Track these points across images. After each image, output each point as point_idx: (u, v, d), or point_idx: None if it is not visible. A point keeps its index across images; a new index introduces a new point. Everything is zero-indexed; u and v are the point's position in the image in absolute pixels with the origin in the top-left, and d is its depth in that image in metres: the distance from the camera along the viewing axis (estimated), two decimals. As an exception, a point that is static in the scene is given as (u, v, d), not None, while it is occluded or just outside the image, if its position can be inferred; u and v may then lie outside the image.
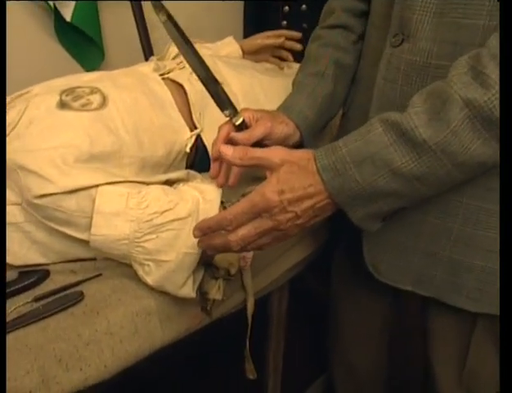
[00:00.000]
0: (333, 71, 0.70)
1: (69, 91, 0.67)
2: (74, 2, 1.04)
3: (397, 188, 0.47)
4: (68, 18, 1.05)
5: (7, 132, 0.62)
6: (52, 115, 0.63)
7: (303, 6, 1.44)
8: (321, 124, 0.73)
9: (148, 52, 1.16)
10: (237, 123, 0.61)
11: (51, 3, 1.01)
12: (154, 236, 0.59)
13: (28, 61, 1.06)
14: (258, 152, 0.53)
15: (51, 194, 0.57)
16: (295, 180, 0.49)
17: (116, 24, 1.19)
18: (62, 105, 0.65)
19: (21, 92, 0.68)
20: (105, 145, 0.63)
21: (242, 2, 1.54)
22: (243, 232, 0.49)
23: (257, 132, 0.61)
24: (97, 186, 0.59)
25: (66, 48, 1.13)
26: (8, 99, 0.67)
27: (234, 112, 0.61)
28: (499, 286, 0.55)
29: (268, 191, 0.48)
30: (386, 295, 0.77)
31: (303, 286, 1.25)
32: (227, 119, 0.62)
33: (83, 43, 1.13)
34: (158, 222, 0.59)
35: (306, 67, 0.73)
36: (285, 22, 1.46)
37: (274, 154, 0.51)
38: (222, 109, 0.61)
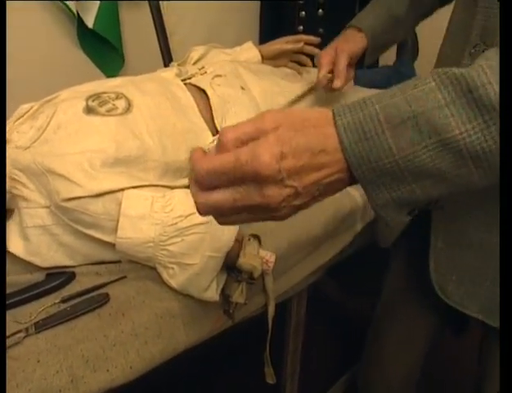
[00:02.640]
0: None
1: (95, 96, 0.69)
2: (96, 9, 1.06)
3: (442, 167, 0.34)
4: (90, 25, 1.08)
5: (37, 136, 0.64)
6: (79, 120, 0.65)
7: (320, 11, 1.45)
8: (384, 41, 0.81)
9: (167, 58, 1.18)
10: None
11: (74, 10, 1.03)
12: (179, 239, 0.59)
13: (51, 67, 1.09)
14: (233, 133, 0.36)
15: (78, 197, 0.59)
16: (301, 141, 0.34)
17: (136, 30, 1.22)
18: (89, 110, 0.66)
19: (49, 98, 0.70)
20: (130, 149, 0.64)
21: (258, 8, 1.55)
22: (217, 197, 0.35)
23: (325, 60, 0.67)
24: (123, 190, 0.61)
25: (87, 54, 1.15)
26: (37, 105, 0.69)
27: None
28: None
29: (264, 151, 0.33)
30: (436, 313, 0.77)
31: (320, 292, 1.25)
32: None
33: (104, 49, 1.15)
34: (183, 225, 0.59)
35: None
36: (301, 27, 1.47)
37: (262, 120, 0.35)
38: None
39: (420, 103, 0.33)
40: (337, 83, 0.81)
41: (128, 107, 0.69)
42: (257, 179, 0.33)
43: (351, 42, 0.85)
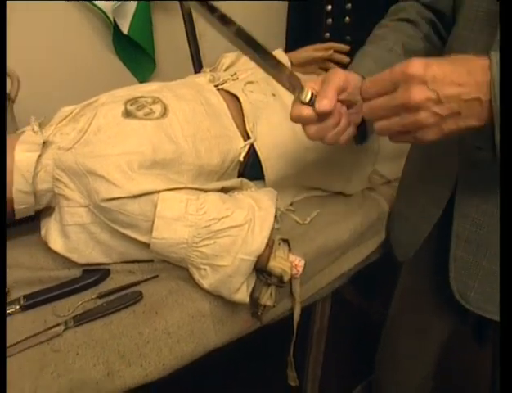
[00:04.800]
0: (401, 50, 0.63)
1: (133, 100, 0.71)
2: (131, 16, 1.09)
3: None
4: (125, 30, 1.10)
5: (78, 138, 0.66)
6: (119, 123, 0.67)
7: (347, 18, 1.45)
8: None
9: (197, 63, 1.20)
10: (306, 99, 0.50)
11: (110, 17, 1.06)
12: (211, 241, 0.60)
13: (87, 70, 1.12)
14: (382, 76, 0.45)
15: (117, 198, 0.60)
16: (448, 63, 0.42)
17: (167, 35, 1.24)
18: (127, 114, 0.68)
19: (89, 101, 0.72)
20: (166, 152, 0.66)
21: (285, 15, 1.56)
22: (374, 103, 0.45)
23: (335, 83, 0.51)
24: (159, 191, 0.62)
25: (121, 59, 1.18)
26: (78, 108, 0.71)
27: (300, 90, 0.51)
28: None
29: (412, 60, 0.42)
30: (451, 319, 0.76)
31: (342, 298, 1.24)
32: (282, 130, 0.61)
33: (137, 54, 1.17)
34: (216, 228, 0.60)
35: (370, 43, 0.66)
36: (327, 34, 1.47)
37: (406, 65, 0.42)
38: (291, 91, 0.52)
39: None
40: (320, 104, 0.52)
41: (164, 112, 0.70)
42: (406, 79, 0.41)
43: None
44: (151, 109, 0.70)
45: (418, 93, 0.41)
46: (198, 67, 1.20)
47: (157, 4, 1.18)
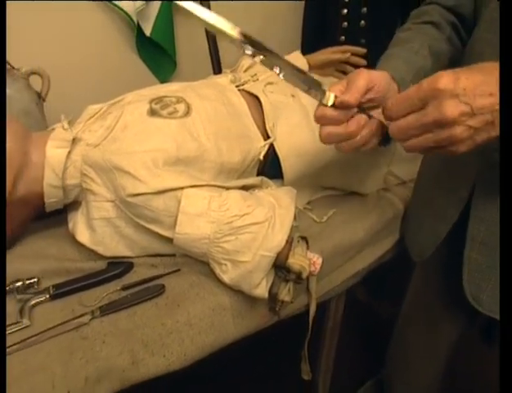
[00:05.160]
0: (427, 52, 0.61)
1: (158, 100, 0.71)
2: (154, 18, 1.10)
3: None
4: (148, 33, 1.11)
5: (106, 135, 0.67)
6: (144, 122, 0.67)
7: (362, 22, 1.44)
8: None
9: (216, 64, 1.20)
10: (329, 103, 0.49)
11: (135, 20, 1.07)
12: (233, 237, 0.61)
13: (112, 70, 1.13)
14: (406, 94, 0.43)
15: (142, 194, 0.61)
16: (476, 73, 0.40)
17: (187, 37, 1.25)
18: (152, 112, 0.69)
19: (116, 100, 0.73)
20: (189, 150, 0.66)
21: (301, 18, 1.55)
22: (403, 123, 0.43)
23: (359, 84, 0.49)
24: (182, 188, 0.63)
25: (143, 59, 1.19)
26: (105, 106, 0.72)
27: (322, 94, 0.50)
28: None
29: (440, 74, 0.40)
30: (461, 321, 0.76)
31: (353, 296, 1.24)
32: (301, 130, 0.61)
33: (158, 55, 1.19)
34: (237, 224, 0.61)
35: (395, 45, 0.63)
36: (343, 37, 1.46)
37: (435, 80, 0.41)
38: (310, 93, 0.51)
39: None
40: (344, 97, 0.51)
41: (188, 111, 0.71)
42: (435, 94, 0.40)
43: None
44: (175, 108, 0.70)
45: (451, 108, 0.39)
46: (217, 68, 1.20)
47: (178, 6, 1.19)
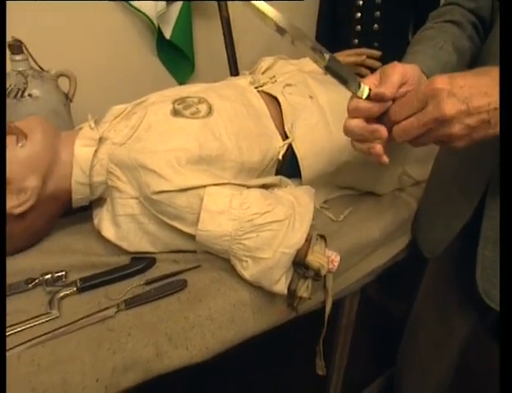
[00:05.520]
0: (452, 48, 0.61)
1: (181, 100, 0.72)
2: (174, 22, 1.11)
3: None
4: (167, 35, 1.12)
5: (131, 134, 0.67)
6: (168, 121, 0.68)
7: (375, 25, 1.43)
8: None
9: (233, 66, 1.21)
10: (364, 96, 0.49)
11: (155, 23, 1.08)
12: (254, 235, 0.61)
13: (133, 72, 1.14)
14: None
15: (166, 191, 0.62)
16: (472, 75, 0.42)
17: (205, 40, 1.25)
18: (175, 112, 0.69)
19: (140, 100, 0.74)
20: (211, 149, 0.67)
21: (315, 21, 1.55)
22: (406, 123, 0.45)
23: (394, 77, 0.49)
24: (205, 186, 0.63)
25: (162, 61, 1.20)
26: (130, 106, 0.73)
27: (357, 86, 0.50)
28: None
29: (438, 77, 0.42)
30: (473, 317, 0.75)
31: (365, 295, 1.24)
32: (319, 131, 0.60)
33: (177, 58, 1.19)
34: (258, 222, 0.61)
35: (418, 43, 0.64)
36: (356, 41, 1.46)
37: (431, 81, 0.42)
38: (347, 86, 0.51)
39: None
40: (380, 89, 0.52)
41: (209, 111, 0.71)
42: (434, 94, 0.41)
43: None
44: (197, 108, 0.71)
45: (449, 107, 0.40)
46: (234, 70, 1.21)
47: (197, 9, 1.19)
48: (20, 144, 0.61)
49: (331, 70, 0.50)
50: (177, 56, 1.19)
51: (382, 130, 0.49)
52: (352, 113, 0.51)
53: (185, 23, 1.14)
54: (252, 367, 1.21)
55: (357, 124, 0.51)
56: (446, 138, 0.43)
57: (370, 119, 0.51)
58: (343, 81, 0.50)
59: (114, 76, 1.10)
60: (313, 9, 1.50)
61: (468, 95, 0.40)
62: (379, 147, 0.51)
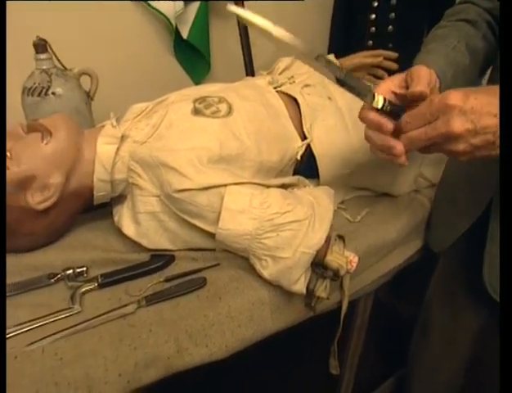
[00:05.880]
0: (465, 48, 0.61)
1: (201, 99, 0.72)
2: (191, 22, 1.10)
3: None
4: (185, 36, 1.12)
5: (152, 132, 0.67)
6: (188, 120, 0.68)
7: (390, 27, 1.42)
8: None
9: (249, 67, 1.20)
10: (379, 106, 0.49)
11: (173, 23, 1.08)
12: (274, 234, 0.60)
13: (151, 72, 1.14)
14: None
15: (188, 189, 0.61)
16: (484, 94, 0.42)
17: (222, 41, 1.25)
18: (196, 111, 0.69)
19: (160, 99, 0.74)
20: (231, 149, 0.66)
21: (329, 23, 1.54)
22: (414, 134, 0.45)
23: (425, 78, 0.50)
24: (225, 185, 0.62)
25: (179, 61, 1.20)
26: (151, 105, 0.73)
27: (372, 96, 0.50)
28: None
29: (452, 92, 0.42)
30: (483, 314, 0.74)
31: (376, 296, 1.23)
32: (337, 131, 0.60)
33: (194, 58, 1.19)
34: (278, 222, 0.60)
35: (432, 41, 0.64)
36: (370, 42, 1.44)
37: (446, 96, 0.42)
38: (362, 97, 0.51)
39: None
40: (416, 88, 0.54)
41: (229, 111, 0.71)
42: (446, 110, 0.41)
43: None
44: (218, 108, 0.70)
45: (458, 124, 0.41)
46: (250, 70, 1.20)
47: (213, 10, 1.19)
48: (44, 141, 0.62)
49: (345, 82, 0.50)
50: (193, 56, 1.18)
51: (399, 148, 0.48)
52: (364, 122, 0.51)
53: (202, 23, 1.14)
54: (263, 366, 1.21)
55: (377, 136, 0.50)
56: (450, 153, 0.44)
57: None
58: (358, 93, 0.50)
59: (133, 75, 1.10)
60: (327, 10, 1.49)
61: (478, 115, 0.41)
62: (400, 148, 0.50)
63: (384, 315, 1.37)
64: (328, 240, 0.63)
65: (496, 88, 0.43)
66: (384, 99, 0.49)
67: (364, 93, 0.50)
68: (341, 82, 0.50)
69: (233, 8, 0.46)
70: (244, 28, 1.16)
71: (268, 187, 0.66)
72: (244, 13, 0.46)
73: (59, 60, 0.76)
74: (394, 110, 0.49)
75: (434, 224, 0.81)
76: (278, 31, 0.47)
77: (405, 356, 1.01)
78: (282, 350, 1.20)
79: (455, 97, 0.41)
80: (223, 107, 0.71)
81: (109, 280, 0.63)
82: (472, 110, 0.41)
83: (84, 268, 0.65)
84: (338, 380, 1.01)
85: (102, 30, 1.01)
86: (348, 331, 0.92)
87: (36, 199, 0.62)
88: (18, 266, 0.65)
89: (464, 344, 0.86)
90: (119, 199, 0.72)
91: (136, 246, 0.68)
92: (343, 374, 0.98)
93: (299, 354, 1.25)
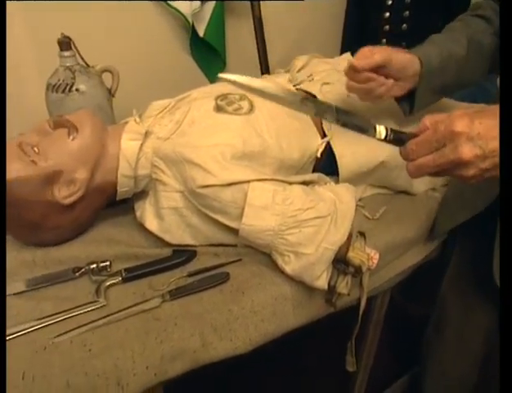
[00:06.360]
0: (466, 40, 0.66)
1: (223, 96, 0.72)
2: (207, 20, 1.11)
3: None
4: (201, 34, 1.12)
5: (175, 129, 0.68)
6: (211, 117, 0.68)
7: (404, 25, 1.41)
8: (442, 78, 0.68)
9: (264, 65, 1.20)
10: (382, 137, 0.50)
11: (190, 21, 1.08)
12: (296, 230, 0.60)
13: (167, 69, 1.15)
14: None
15: (212, 185, 0.62)
16: (488, 118, 0.42)
17: (237, 39, 1.25)
18: (218, 108, 0.70)
19: (182, 96, 0.74)
20: (254, 146, 0.66)
21: (342, 21, 1.53)
22: (422, 161, 0.45)
23: (376, 57, 0.61)
24: (249, 181, 0.63)
25: (195, 59, 1.20)
26: (173, 102, 0.73)
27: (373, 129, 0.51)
28: None
29: (457, 118, 0.42)
30: (494, 309, 0.74)
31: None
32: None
33: (210, 55, 1.19)
34: (301, 218, 0.60)
35: (441, 32, 0.71)
36: (384, 40, 1.44)
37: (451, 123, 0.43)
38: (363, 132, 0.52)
39: None
40: (354, 62, 0.64)
41: (251, 108, 0.71)
42: (453, 137, 0.41)
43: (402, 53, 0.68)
44: (240, 105, 0.71)
45: (466, 151, 0.41)
46: (265, 68, 1.20)
47: (229, 9, 1.19)
48: (71, 137, 0.62)
49: (344, 122, 0.50)
50: (209, 54, 1.19)
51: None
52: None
53: (217, 22, 1.14)
54: (278, 363, 1.21)
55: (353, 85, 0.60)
56: (460, 178, 0.45)
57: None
58: (359, 129, 0.50)
59: (150, 73, 1.11)
60: (340, 9, 1.49)
61: (485, 140, 0.41)
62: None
63: (394, 315, 1.37)
64: (350, 236, 0.63)
65: (497, 109, 0.43)
66: (386, 129, 0.49)
67: (366, 128, 0.50)
68: (339, 122, 0.50)
69: (225, 76, 0.46)
70: (259, 26, 1.16)
71: (290, 183, 0.66)
72: (239, 78, 0.47)
73: (82, 57, 0.76)
74: (398, 138, 0.49)
75: (438, 212, 0.82)
76: (271, 87, 0.49)
77: (417, 355, 1.01)
78: (296, 348, 1.20)
79: (460, 123, 0.41)
80: (245, 104, 0.71)
81: (132, 274, 0.64)
82: (479, 136, 0.41)
83: (108, 263, 0.65)
84: (352, 377, 1.01)
85: (123, 29, 1.02)
86: (363, 328, 0.92)
87: (62, 193, 0.62)
88: (44, 259, 0.66)
89: (476, 341, 0.86)
90: (141, 195, 0.73)
91: (159, 241, 0.69)
92: (358, 371, 0.98)
93: (313, 351, 1.25)
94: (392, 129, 0.50)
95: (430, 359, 0.98)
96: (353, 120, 0.50)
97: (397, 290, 1.39)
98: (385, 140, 0.50)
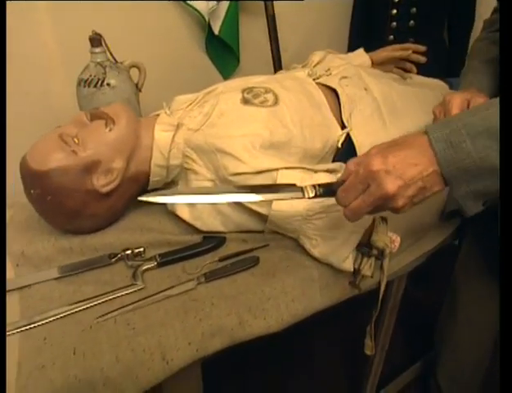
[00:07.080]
0: None
1: (249, 90, 0.75)
2: (222, 18, 1.13)
3: None
4: (216, 31, 1.15)
5: (204, 120, 0.70)
6: (239, 109, 0.71)
7: (411, 22, 1.43)
8: None
9: (277, 62, 1.23)
10: (311, 195, 0.51)
11: (206, 18, 1.11)
12: (323, 215, 0.63)
13: (183, 65, 1.18)
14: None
15: (243, 173, 0.64)
16: (400, 150, 0.45)
17: (250, 36, 1.27)
18: (245, 101, 0.72)
19: (209, 90, 0.77)
20: (280, 136, 0.69)
21: (349, 18, 1.55)
22: (354, 205, 0.48)
23: (457, 104, 0.62)
24: (277, 169, 0.66)
25: (210, 56, 1.23)
26: (201, 95, 0.76)
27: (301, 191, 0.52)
28: None
29: (371, 159, 0.45)
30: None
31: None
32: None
33: (224, 53, 1.22)
34: (328, 203, 0.63)
35: (477, 56, 0.71)
36: (391, 37, 1.46)
37: (367, 163, 0.46)
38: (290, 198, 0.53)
39: (491, 119, 0.42)
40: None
41: (276, 100, 0.74)
42: (373, 176, 0.44)
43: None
44: (265, 98, 0.73)
45: (390, 185, 0.44)
46: (278, 65, 1.23)
47: (243, 7, 1.22)
48: (108, 128, 0.65)
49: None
50: (224, 52, 1.21)
51: None
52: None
53: (232, 20, 1.17)
54: (293, 348, 1.24)
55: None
56: (392, 210, 0.48)
57: None
58: (290, 198, 0.52)
59: (168, 69, 1.13)
60: (348, 6, 1.51)
61: (401, 170, 0.44)
62: None
63: (408, 301, 1.40)
64: (373, 221, 0.66)
65: (411, 139, 0.46)
66: (313, 186, 0.51)
67: (292, 192, 0.52)
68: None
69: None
70: (273, 24, 1.19)
71: (315, 171, 0.69)
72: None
73: (111, 53, 0.79)
74: (329, 190, 0.51)
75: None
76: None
77: (431, 341, 1.04)
78: (310, 332, 1.23)
79: (375, 162, 0.45)
80: (270, 97, 0.74)
81: (167, 259, 0.66)
82: (395, 169, 0.44)
83: (142, 249, 0.68)
84: (367, 361, 1.04)
85: (144, 27, 1.04)
86: (379, 314, 0.95)
87: (101, 182, 0.65)
88: (81, 246, 0.68)
89: (488, 326, 0.88)
90: (170, 185, 0.75)
91: (189, 228, 0.71)
92: (374, 356, 1.01)
93: (328, 335, 1.27)
94: (319, 185, 0.51)
95: (444, 343, 1.01)
96: (277, 190, 0.53)
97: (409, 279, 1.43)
98: (315, 196, 0.51)
